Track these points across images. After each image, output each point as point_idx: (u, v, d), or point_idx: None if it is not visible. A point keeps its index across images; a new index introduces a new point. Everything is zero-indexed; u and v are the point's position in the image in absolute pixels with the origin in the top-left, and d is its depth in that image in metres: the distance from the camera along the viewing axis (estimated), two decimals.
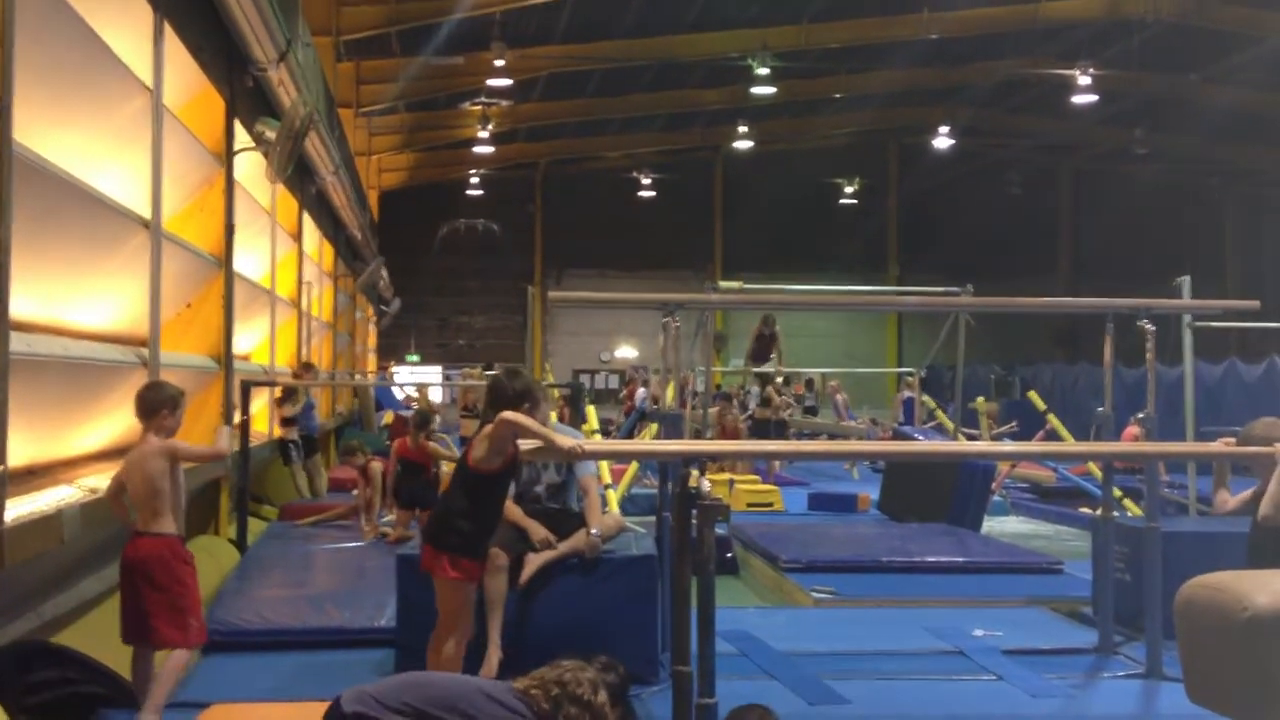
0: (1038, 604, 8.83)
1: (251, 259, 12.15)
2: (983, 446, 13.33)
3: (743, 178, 37.61)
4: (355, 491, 11.57)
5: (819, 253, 35.68)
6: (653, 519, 7.61)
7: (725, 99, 31.19)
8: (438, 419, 15.11)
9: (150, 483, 5.31)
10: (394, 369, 35.42)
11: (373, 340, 33.57)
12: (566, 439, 5.10)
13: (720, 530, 7.61)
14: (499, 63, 23.95)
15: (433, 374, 35.27)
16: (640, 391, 23.69)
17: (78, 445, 7.30)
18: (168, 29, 7.49)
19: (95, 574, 6.58)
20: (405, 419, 17.92)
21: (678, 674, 5.11)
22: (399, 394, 25.40)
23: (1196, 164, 35.21)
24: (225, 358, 9.85)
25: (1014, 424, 19.47)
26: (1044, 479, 16.97)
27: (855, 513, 14.55)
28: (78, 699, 5.65)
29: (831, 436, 21.16)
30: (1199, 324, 11.37)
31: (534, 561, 6.27)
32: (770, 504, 14.68)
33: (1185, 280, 10.43)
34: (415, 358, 37.25)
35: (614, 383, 35.39)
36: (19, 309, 5.84)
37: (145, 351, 7.52)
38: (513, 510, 6.25)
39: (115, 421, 7.38)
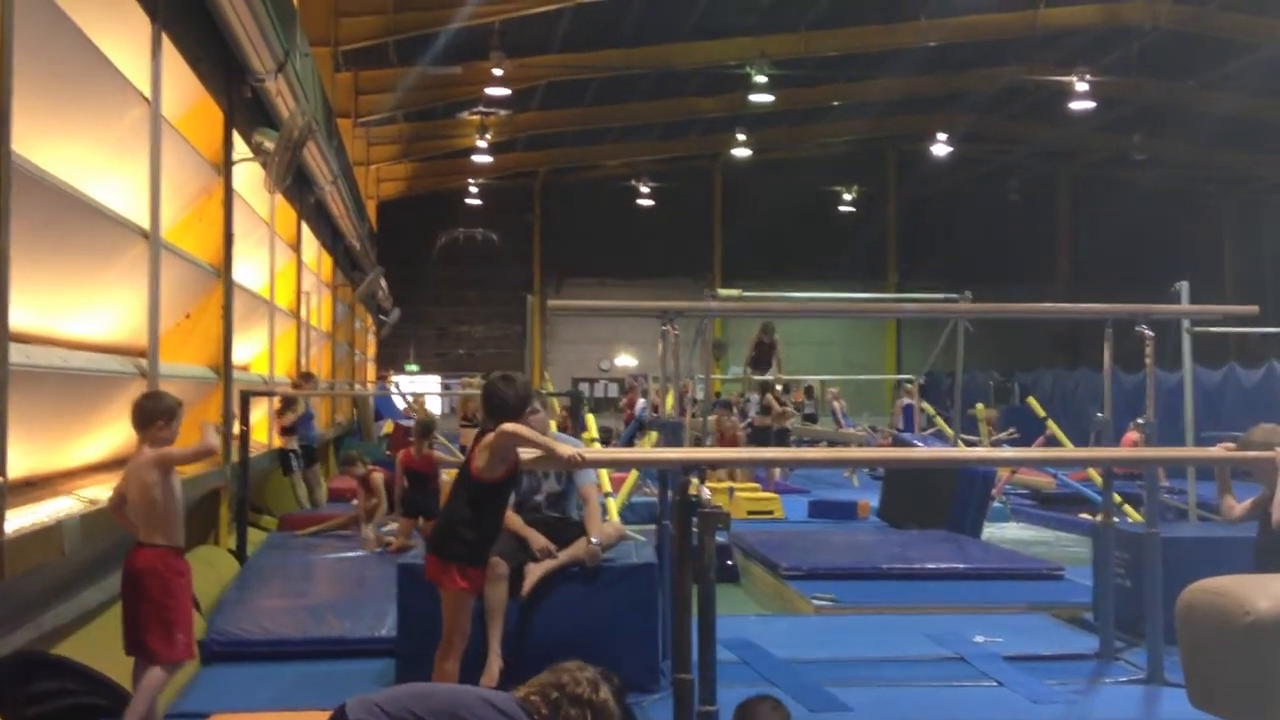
0: (1038, 610, 8.83)
1: (250, 269, 12.15)
2: (982, 452, 13.32)
3: (741, 186, 37.62)
4: (355, 501, 11.56)
5: (818, 260, 35.67)
6: (653, 527, 7.61)
7: (724, 107, 31.21)
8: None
9: (145, 494, 5.28)
10: (394, 378, 35.41)
11: (372, 350, 33.56)
12: (566, 447, 5.11)
13: (720, 538, 7.59)
14: (497, 72, 23.96)
15: (431, 384, 35.25)
16: (640, 401, 23.69)
17: (77, 456, 7.30)
18: (166, 40, 7.50)
19: (95, 585, 6.57)
20: (405, 429, 17.94)
21: (679, 681, 5.10)
22: (399, 402, 25.40)
23: (1195, 170, 35.25)
24: (224, 368, 9.84)
25: (1013, 430, 19.45)
26: (1044, 485, 16.96)
27: (855, 520, 14.54)
28: (78, 710, 5.65)
29: (831, 444, 21.15)
30: (1198, 329, 11.36)
31: (535, 572, 6.27)
32: (770, 512, 14.67)
33: (1183, 285, 10.43)
34: (414, 367, 37.24)
35: (614, 391, 35.37)
36: (18, 320, 5.83)
37: (144, 362, 7.51)
38: (513, 519, 6.25)
39: (115, 432, 7.37)
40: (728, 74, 28.03)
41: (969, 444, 16.38)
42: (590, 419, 13.27)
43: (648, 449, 11.40)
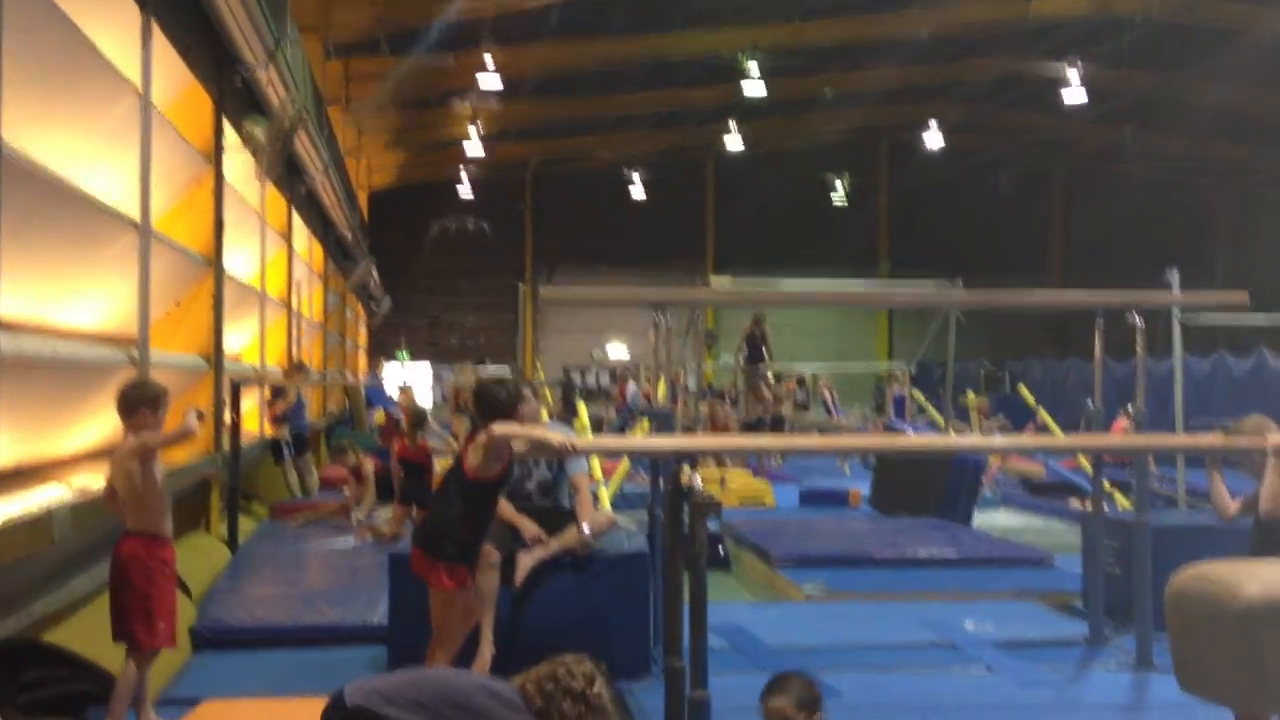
0: (1028, 597, 8.85)
1: (241, 258, 12.13)
2: (974, 440, 13.36)
3: (734, 176, 37.60)
4: (346, 490, 11.57)
5: (810, 250, 35.67)
6: (645, 515, 7.62)
7: (716, 97, 31.16)
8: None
9: (128, 483, 5.25)
10: (384, 365, 35.38)
11: (364, 339, 33.52)
12: (557, 435, 5.12)
13: (712, 526, 7.62)
14: (489, 61, 23.91)
15: (423, 373, 35.21)
16: (630, 387, 23.70)
17: (67, 445, 7.29)
18: (155, 29, 7.48)
19: (86, 573, 6.57)
20: (396, 418, 17.96)
21: (670, 668, 5.12)
22: (392, 390, 25.38)
23: (1187, 162, 35.26)
24: (215, 357, 9.84)
25: (1003, 419, 19.49)
26: (1034, 473, 16.99)
27: (846, 508, 14.56)
28: (68, 697, 5.65)
29: (823, 432, 21.18)
30: (1188, 318, 11.40)
31: (527, 560, 6.28)
32: (762, 500, 14.69)
33: (1174, 273, 10.45)
34: (406, 356, 37.22)
35: (606, 380, 35.37)
36: (7, 309, 5.83)
37: (135, 351, 7.51)
38: (504, 508, 6.25)
39: (105, 421, 7.36)
40: (720, 64, 27.97)
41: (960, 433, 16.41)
42: (582, 407, 13.28)
43: (640, 437, 11.41)
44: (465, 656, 5.70)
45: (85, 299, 7.45)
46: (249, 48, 9.52)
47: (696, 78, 30.16)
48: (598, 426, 17.86)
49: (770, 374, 19.95)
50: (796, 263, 33.34)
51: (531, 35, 25.30)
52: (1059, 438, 13.07)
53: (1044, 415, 14.74)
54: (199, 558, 8.71)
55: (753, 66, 26.17)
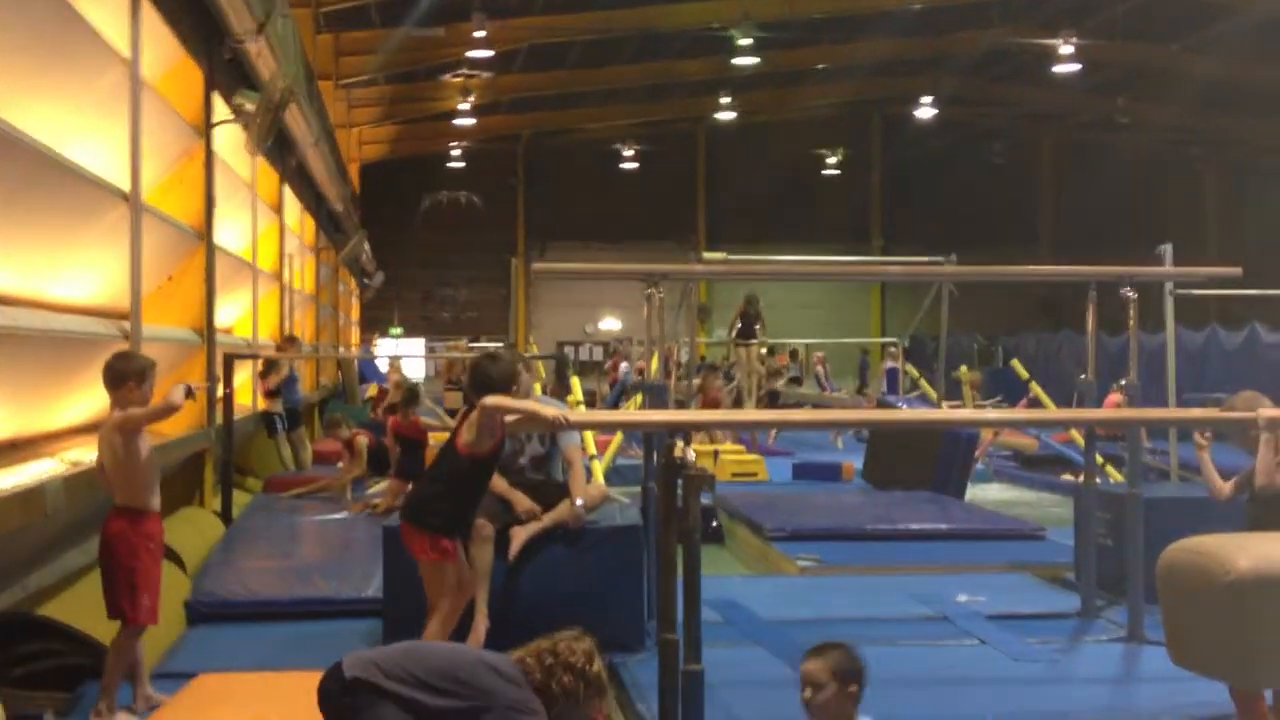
0: (1020, 570, 8.88)
1: (232, 232, 12.10)
2: (966, 414, 13.37)
3: (726, 149, 37.52)
4: (340, 464, 11.57)
5: (802, 224, 35.62)
6: (639, 489, 7.63)
7: (707, 70, 31.06)
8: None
9: (113, 457, 5.20)
10: (379, 339, 35.36)
11: (356, 313, 33.47)
12: (550, 409, 5.11)
13: (705, 500, 7.62)
14: (480, 34, 23.79)
15: (416, 347, 35.19)
16: (623, 364, 23.71)
17: (60, 419, 7.28)
18: (144, 0, 7.42)
19: (79, 546, 6.58)
20: (388, 391, 17.99)
21: (664, 641, 5.13)
22: (384, 366, 25.37)
23: (1179, 134, 35.23)
24: (207, 331, 9.82)
25: (1000, 399, 19.49)
26: (1027, 446, 17.04)
27: (839, 482, 14.58)
28: (62, 670, 5.66)
29: (816, 407, 21.19)
30: (1181, 292, 11.40)
31: (520, 534, 6.28)
32: (755, 474, 14.70)
33: (1167, 248, 10.46)
34: (398, 330, 37.17)
35: (598, 354, 35.37)
36: None
37: (127, 324, 7.49)
38: (498, 482, 6.25)
39: (97, 395, 7.32)
40: (712, 36, 27.88)
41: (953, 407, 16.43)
42: (575, 381, 13.28)
43: (633, 411, 11.43)
44: (460, 630, 5.71)
45: (77, 272, 7.43)
46: (238, 20, 9.46)
47: (688, 50, 30.06)
48: (591, 401, 17.88)
49: (763, 349, 19.93)
50: (788, 236, 33.26)
51: (522, 7, 25.19)
52: (1052, 411, 13.10)
53: (1037, 389, 14.76)
54: (193, 531, 8.71)
55: (744, 39, 26.06)
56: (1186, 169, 37.37)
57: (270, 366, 13.03)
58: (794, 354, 25.92)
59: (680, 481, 4.68)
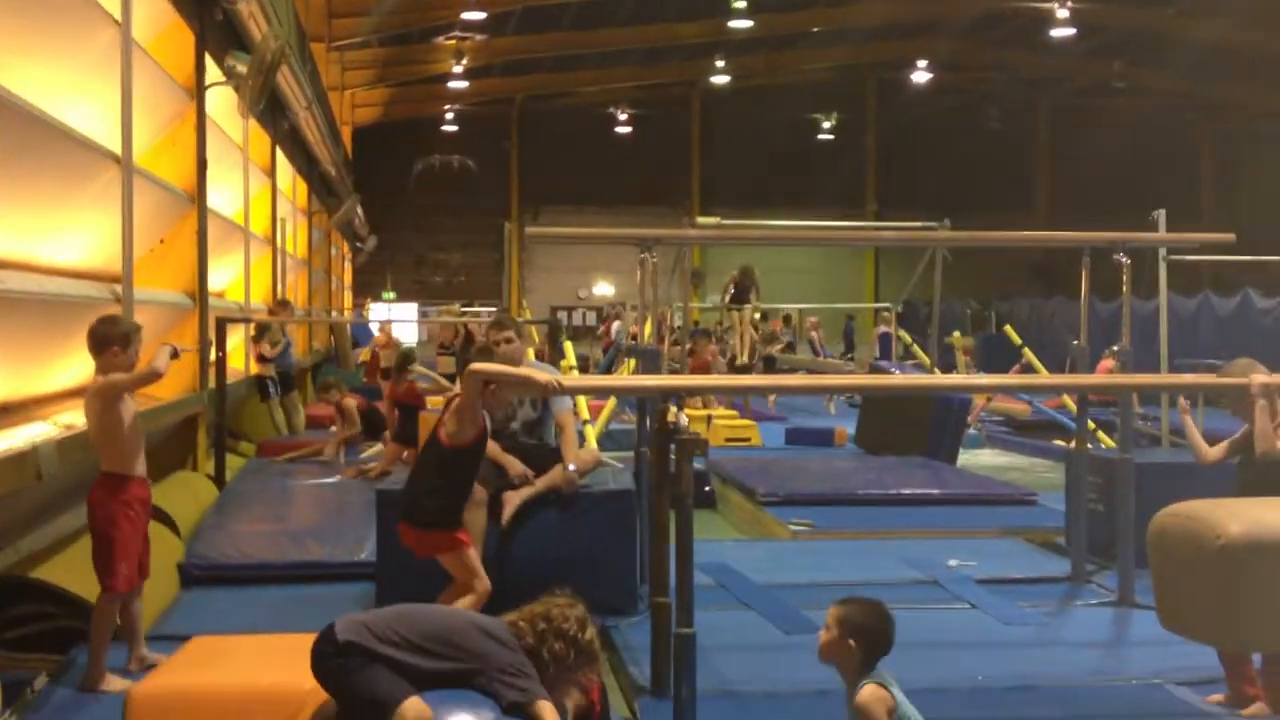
0: (1012, 535, 8.93)
1: (224, 195, 12.05)
2: (959, 380, 13.39)
3: (720, 113, 37.39)
4: (333, 428, 11.58)
5: (797, 189, 35.55)
6: (632, 454, 7.64)
7: (703, 33, 30.91)
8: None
9: (97, 422, 5.16)
10: (372, 304, 35.32)
11: (349, 277, 33.40)
12: (542, 374, 5.10)
13: (698, 464, 7.65)
14: None
15: (409, 311, 35.16)
16: (615, 325, 23.64)
17: (52, 382, 7.27)
18: None
19: (73, 510, 6.57)
20: (378, 354, 18.05)
21: (656, 605, 5.16)
22: (376, 330, 25.34)
23: (1174, 99, 35.17)
24: (200, 294, 9.80)
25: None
26: (1019, 412, 17.08)
27: (832, 447, 14.62)
28: (56, 633, 5.68)
29: (810, 372, 21.19)
30: (1174, 258, 11.40)
31: (513, 500, 6.28)
32: (748, 439, 14.74)
33: (1161, 213, 10.45)
34: (391, 295, 37.11)
35: (592, 319, 35.36)
36: None
37: (119, 288, 7.46)
38: (490, 447, 6.25)
39: (90, 358, 7.34)
40: None
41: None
42: (568, 346, 13.27)
43: (626, 376, 11.43)
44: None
45: (68, 235, 7.40)
46: None
47: (683, 12, 29.91)
48: (584, 366, 17.89)
49: (756, 314, 19.91)
50: (783, 202, 33.21)
51: None
52: (1044, 377, 13.13)
53: (1029, 355, 14.78)
54: (186, 495, 8.71)
55: (740, 1, 25.90)
56: (1182, 134, 37.31)
57: (261, 330, 13.01)
58: (787, 319, 25.90)
59: (673, 446, 4.69)
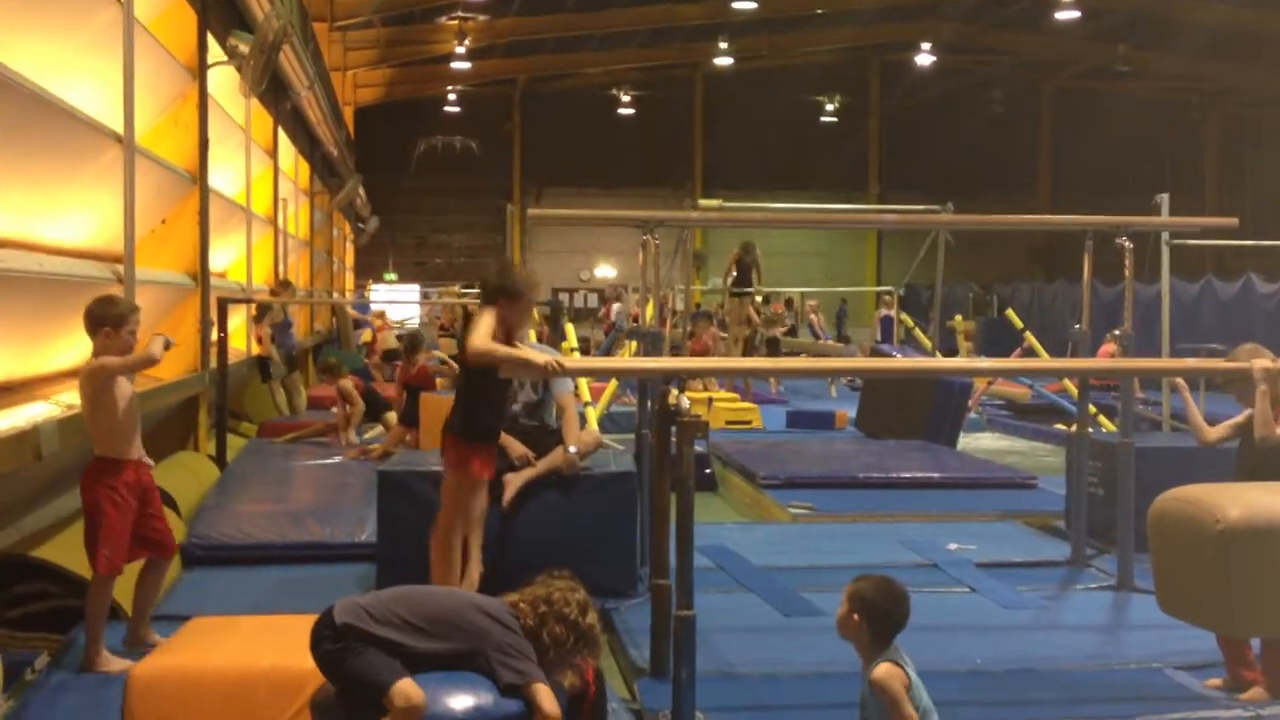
0: (1011, 518, 8.94)
1: (226, 175, 12.04)
2: (960, 363, 13.39)
3: (723, 95, 37.30)
4: (334, 409, 11.58)
5: (800, 171, 35.49)
6: (633, 437, 7.64)
7: (706, 14, 30.81)
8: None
9: (87, 404, 5.15)
10: (373, 285, 35.31)
11: (350, 259, 33.38)
12: (543, 356, 5.10)
13: (699, 447, 7.65)
14: None
15: (410, 293, 35.15)
16: (615, 307, 23.64)
17: (53, 361, 7.27)
18: None
19: (73, 489, 6.56)
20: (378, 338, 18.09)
21: (656, 587, 5.18)
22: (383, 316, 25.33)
23: (1178, 82, 35.05)
24: (201, 275, 9.79)
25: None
26: (1020, 396, 17.07)
27: (833, 430, 14.62)
28: (57, 612, 5.69)
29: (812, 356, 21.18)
30: (1177, 242, 11.39)
31: (514, 482, 6.29)
32: (749, 422, 14.73)
33: (1164, 198, 10.44)
34: (393, 276, 37.09)
35: (593, 301, 35.34)
36: None
37: (120, 268, 7.46)
38: None
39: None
40: None
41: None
42: (569, 328, 13.27)
43: (627, 358, 11.44)
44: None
45: (70, 215, 7.39)
46: None
47: None
48: (585, 348, 17.87)
49: (758, 297, 19.90)
50: (785, 184, 33.17)
51: None
52: (1045, 361, 13.12)
53: (1031, 339, 14.78)
54: (187, 475, 8.72)
55: None
56: (1186, 118, 37.18)
57: (262, 311, 13.01)
58: (789, 302, 25.89)
59: (674, 429, 4.69)
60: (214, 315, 10.05)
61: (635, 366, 7.40)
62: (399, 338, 16.14)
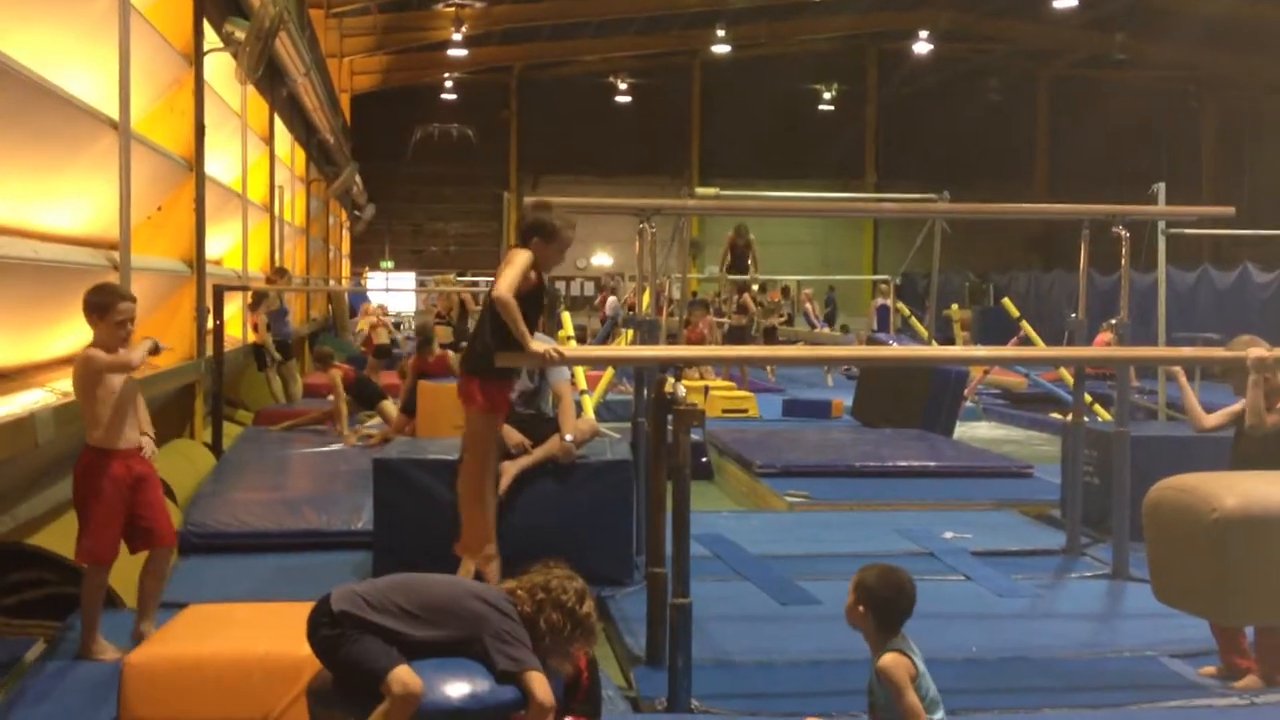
0: (1007, 507, 8.96)
1: (222, 162, 12.01)
2: (956, 352, 13.39)
3: (720, 83, 37.24)
4: (330, 397, 11.58)
5: (797, 160, 35.45)
6: (629, 425, 7.65)
7: (703, 2, 30.75)
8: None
9: (78, 394, 5.14)
10: (369, 273, 35.28)
11: (347, 246, 33.33)
12: (539, 344, 5.10)
13: (695, 435, 7.66)
14: None
15: (407, 281, 35.12)
16: (611, 299, 23.64)
17: (49, 349, 7.26)
18: None
19: (69, 477, 6.57)
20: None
21: (652, 575, 5.18)
22: (375, 300, 25.31)
23: (1175, 72, 35.04)
24: (197, 262, 9.78)
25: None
26: (1016, 385, 17.09)
27: (829, 419, 14.64)
28: (53, 599, 5.69)
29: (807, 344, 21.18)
30: (1173, 231, 11.39)
31: (510, 470, 6.29)
32: (745, 410, 14.75)
33: (1160, 187, 10.43)
34: (389, 264, 37.04)
35: (590, 289, 35.31)
36: None
37: (116, 255, 7.44)
38: None
39: (86, 325, 7.33)
40: None
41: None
42: (566, 317, 13.26)
43: (624, 347, 11.44)
44: (452, 565, 5.72)
45: (66, 202, 7.37)
46: None
47: None
48: (582, 336, 17.88)
49: (755, 285, 19.88)
50: (782, 172, 33.13)
51: None
52: (1041, 350, 13.11)
53: (1027, 328, 14.78)
54: (183, 463, 8.72)
55: None
56: (1184, 107, 37.17)
57: (258, 298, 12.99)
58: (785, 291, 25.87)
59: (670, 417, 4.70)
60: (210, 302, 10.04)
61: (632, 355, 7.40)
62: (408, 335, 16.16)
